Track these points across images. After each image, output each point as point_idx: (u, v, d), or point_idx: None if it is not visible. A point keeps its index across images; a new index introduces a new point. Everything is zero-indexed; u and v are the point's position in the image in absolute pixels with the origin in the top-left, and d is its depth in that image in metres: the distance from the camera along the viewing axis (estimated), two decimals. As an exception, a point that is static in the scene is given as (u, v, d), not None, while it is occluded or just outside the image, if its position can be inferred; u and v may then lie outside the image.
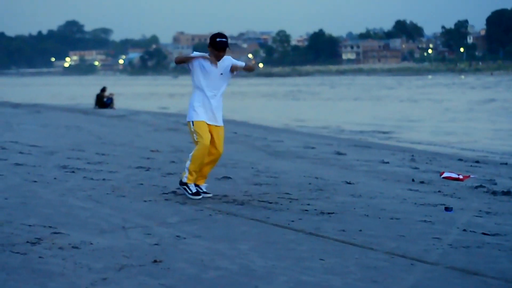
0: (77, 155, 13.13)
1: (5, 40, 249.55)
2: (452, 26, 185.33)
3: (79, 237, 6.67)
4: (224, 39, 8.75)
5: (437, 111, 37.90)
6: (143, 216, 7.84)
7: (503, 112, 35.50)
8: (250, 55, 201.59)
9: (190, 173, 8.90)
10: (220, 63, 8.88)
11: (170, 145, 15.99)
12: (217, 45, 8.74)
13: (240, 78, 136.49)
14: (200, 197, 8.94)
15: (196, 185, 9.08)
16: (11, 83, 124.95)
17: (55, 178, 10.31)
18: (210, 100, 8.86)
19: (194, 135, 8.84)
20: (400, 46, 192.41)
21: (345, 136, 23.45)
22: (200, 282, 5.41)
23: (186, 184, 8.96)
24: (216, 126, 8.95)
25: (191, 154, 8.88)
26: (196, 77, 8.88)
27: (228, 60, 8.95)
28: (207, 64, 8.80)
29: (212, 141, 8.92)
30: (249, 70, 9.06)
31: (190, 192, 8.95)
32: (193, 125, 8.84)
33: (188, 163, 8.88)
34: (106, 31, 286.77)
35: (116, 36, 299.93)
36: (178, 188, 9.21)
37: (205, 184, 9.24)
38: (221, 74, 8.88)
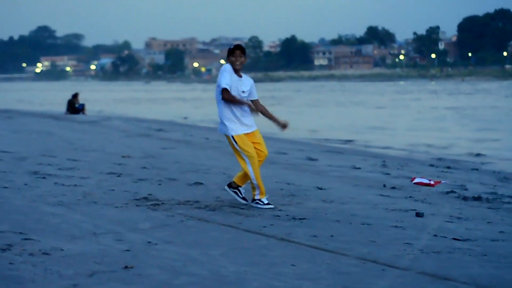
0: (48, 161, 13.04)
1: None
2: (424, 33, 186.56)
3: (49, 243, 6.62)
4: (237, 44, 8.98)
5: (408, 117, 38.07)
6: (114, 222, 7.81)
7: (473, 118, 35.71)
8: (222, 61, 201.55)
9: (259, 186, 8.96)
10: (243, 80, 8.96)
11: (142, 151, 15.93)
12: (233, 49, 8.86)
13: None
14: (273, 206, 9.01)
15: (232, 186, 9.22)
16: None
17: (25, 184, 10.24)
18: (239, 111, 8.88)
19: (238, 149, 8.84)
20: (372, 52, 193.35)
21: (317, 142, 23.50)
22: (172, 288, 5.39)
23: (260, 199, 9.01)
24: (252, 132, 9.00)
25: (250, 170, 8.84)
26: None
27: (250, 84, 9.03)
28: (233, 79, 8.85)
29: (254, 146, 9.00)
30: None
31: (262, 204, 8.99)
32: (234, 139, 8.84)
33: (254, 181, 8.90)
34: (78, 36, 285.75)
35: (88, 42, 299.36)
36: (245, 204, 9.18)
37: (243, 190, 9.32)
38: (243, 92, 8.92)
